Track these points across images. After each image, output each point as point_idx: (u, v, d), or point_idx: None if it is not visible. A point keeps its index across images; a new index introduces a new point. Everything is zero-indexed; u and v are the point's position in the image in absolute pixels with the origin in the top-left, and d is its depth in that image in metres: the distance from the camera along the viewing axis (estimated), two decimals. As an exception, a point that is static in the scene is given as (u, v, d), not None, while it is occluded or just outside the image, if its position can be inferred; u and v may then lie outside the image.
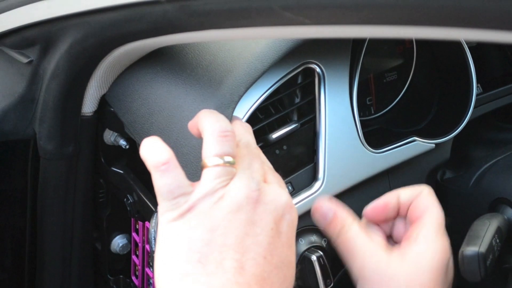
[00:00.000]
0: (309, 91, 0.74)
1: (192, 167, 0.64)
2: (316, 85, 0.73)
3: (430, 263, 0.53)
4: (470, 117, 0.88)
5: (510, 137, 1.07)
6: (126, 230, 0.91)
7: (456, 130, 0.87)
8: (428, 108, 0.93)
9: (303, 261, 0.71)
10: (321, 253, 0.71)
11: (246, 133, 0.54)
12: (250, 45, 0.66)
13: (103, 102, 0.78)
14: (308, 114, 0.74)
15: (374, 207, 0.58)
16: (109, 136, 0.82)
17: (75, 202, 0.84)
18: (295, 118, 0.74)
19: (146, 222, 0.84)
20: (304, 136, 0.74)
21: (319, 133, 0.73)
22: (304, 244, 0.72)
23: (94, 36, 0.66)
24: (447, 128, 0.88)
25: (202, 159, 0.48)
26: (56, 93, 0.75)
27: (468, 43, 0.90)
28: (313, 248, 0.72)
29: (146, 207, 0.80)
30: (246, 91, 0.64)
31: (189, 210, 0.46)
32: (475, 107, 0.89)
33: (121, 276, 0.94)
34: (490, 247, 0.71)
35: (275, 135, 0.70)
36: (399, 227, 0.59)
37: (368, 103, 0.93)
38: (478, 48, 1.03)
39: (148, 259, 0.86)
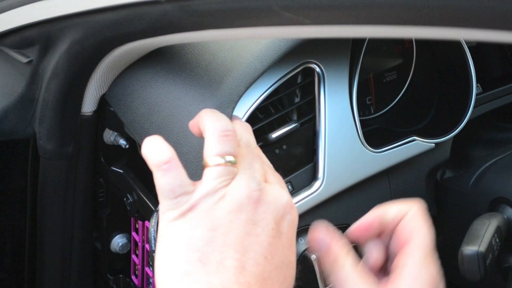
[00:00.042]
0: (308, 91, 0.74)
1: (192, 167, 0.64)
2: (315, 85, 0.73)
3: None
4: (470, 116, 0.88)
5: (509, 137, 1.07)
6: (126, 230, 0.91)
7: (456, 130, 0.87)
8: (428, 107, 0.93)
9: (303, 261, 0.71)
10: (321, 252, 0.71)
11: (246, 133, 0.54)
12: (249, 45, 0.66)
13: (103, 101, 0.78)
14: (307, 113, 0.74)
15: (358, 226, 0.56)
16: (109, 136, 0.82)
17: (75, 201, 0.84)
18: (295, 117, 0.74)
19: (146, 222, 0.84)
20: (304, 135, 0.74)
21: (318, 133, 0.73)
22: (304, 244, 0.72)
23: (93, 36, 0.66)
24: (447, 127, 0.88)
25: (203, 158, 0.48)
26: (55, 92, 0.75)
27: (468, 43, 0.90)
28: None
29: (146, 207, 0.80)
30: (245, 90, 0.64)
31: (190, 209, 0.46)
32: (474, 106, 0.89)
33: (121, 275, 0.94)
34: (490, 246, 0.71)
35: (275, 134, 0.70)
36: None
37: (367, 102, 0.93)
38: (478, 48, 1.04)
39: (148, 258, 0.86)
